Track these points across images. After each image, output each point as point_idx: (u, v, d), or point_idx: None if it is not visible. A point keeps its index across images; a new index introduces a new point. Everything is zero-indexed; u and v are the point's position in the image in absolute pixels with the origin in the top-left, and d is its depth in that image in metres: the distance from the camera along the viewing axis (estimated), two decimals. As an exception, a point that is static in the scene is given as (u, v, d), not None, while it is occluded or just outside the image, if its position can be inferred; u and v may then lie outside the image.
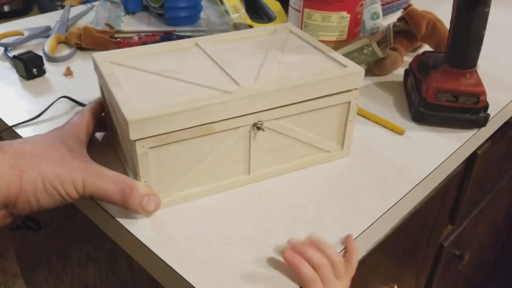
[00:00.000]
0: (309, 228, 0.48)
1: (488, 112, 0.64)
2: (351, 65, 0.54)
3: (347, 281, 0.47)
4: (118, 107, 0.46)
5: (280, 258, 0.45)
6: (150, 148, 0.46)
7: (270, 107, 0.50)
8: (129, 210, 0.47)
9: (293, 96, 0.51)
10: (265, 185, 0.54)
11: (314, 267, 0.44)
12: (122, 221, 0.48)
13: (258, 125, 0.50)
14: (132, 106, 0.46)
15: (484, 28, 0.59)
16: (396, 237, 0.67)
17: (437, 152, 0.60)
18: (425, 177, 0.56)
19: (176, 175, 0.49)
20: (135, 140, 0.45)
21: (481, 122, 0.64)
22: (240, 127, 0.49)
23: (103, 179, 0.45)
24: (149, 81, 0.51)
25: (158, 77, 0.52)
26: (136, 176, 0.48)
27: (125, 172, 0.53)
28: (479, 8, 0.57)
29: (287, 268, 0.44)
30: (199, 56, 0.57)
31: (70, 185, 0.43)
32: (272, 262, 0.45)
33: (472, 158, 0.77)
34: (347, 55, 0.74)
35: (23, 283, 0.99)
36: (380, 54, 0.74)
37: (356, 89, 0.54)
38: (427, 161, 0.59)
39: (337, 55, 0.57)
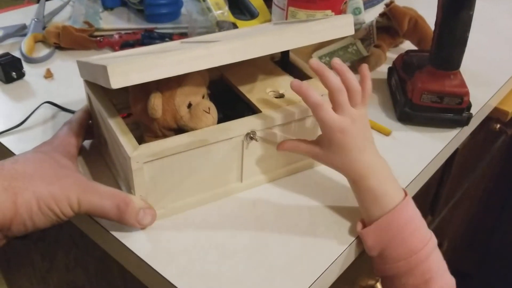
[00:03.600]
0: (304, 235, 0.49)
1: (471, 111, 0.65)
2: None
3: (363, 110, 0.48)
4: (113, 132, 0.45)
5: (278, 271, 0.46)
6: (145, 163, 0.45)
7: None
8: (125, 225, 0.47)
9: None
10: (257, 193, 0.54)
11: (329, 90, 0.46)
12: (116, 234, 0.48)
13: (251, 135, 0.50)
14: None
15: (469, 30, 0.60)
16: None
17: (423, 152, 0.62)
18: (414, 178, 0.58)
19: (170, 186, 0.49)
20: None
21: (464, 122, 0.65)
22: (233, 137, 0.49)
23: (99, 196, 0.44)
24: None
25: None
26: (130, 189, 0.48)
27: (117, 183, 0.52)
28: (464, 11, 0.58)
29: (286, 276, 0.45)
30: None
31: (66, 204, 0.42)
32: (270, 273, 0.45)
33: (452, 153, 0.79)
34: (332, 53, 0.74)
35: (5, 286, 0.97)
36: (365, 53, 0.74)
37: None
38: (414, 162, 0.60)
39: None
